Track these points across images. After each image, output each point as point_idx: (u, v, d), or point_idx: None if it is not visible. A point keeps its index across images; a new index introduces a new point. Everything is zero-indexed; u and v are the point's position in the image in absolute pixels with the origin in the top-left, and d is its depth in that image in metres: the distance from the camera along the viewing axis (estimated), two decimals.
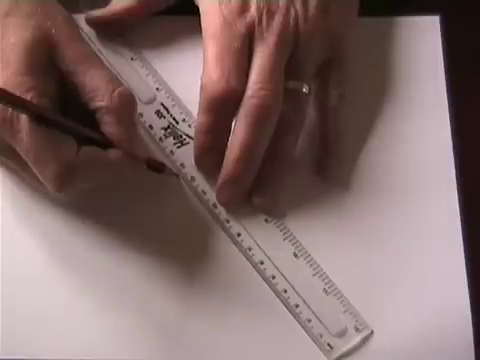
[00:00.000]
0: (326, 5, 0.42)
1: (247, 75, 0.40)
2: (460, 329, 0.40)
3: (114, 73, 0.40)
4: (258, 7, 0.40)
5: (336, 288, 0.41)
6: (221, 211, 0.42)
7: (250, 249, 0.42)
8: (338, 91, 0.43)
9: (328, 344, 0.39)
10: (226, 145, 0.41)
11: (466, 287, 0.41)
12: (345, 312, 0.40)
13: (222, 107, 0.40)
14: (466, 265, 0.41)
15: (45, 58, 0.38)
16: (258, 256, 0.41)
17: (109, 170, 0.39)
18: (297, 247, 0.42)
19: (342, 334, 0.40)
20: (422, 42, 0.47)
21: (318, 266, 0.41)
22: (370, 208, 0.43)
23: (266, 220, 0.42)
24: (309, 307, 0.40)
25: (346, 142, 0.44)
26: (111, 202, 0.42)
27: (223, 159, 0.41)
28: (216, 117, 0.40)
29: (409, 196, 0.43)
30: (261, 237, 0.42)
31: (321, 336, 0.40)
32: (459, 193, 0.43)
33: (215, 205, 0.42)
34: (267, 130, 0.40)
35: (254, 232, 0.42)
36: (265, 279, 0.41)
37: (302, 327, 0.40)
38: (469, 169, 0.44)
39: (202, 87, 0.40)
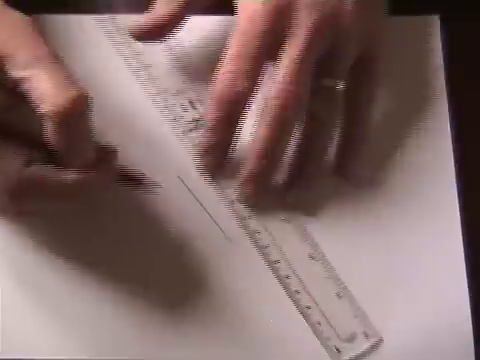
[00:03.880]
0: (369, 6, 0.41)
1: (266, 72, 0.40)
2: (460, 329, 0.40)
3: (70, 74, 0.35)
4: (293, 3, 0.40)
5: (349, 292, 0.41)
6: (241, 207, 0.42)
7: (267, 247, 0.42)
8: (369, 92, 0.43)
9: (336, 348, 0.40)
10: (230, 143, 0.42)
11: (466, 287, 0.41)
12: (356, 317, 0.40)
13: (227, 108, 0.40)
14: (466, 265, 0.41)
15: None
16: (274, 255, 0.42)
17: (65, 191, 0.36)
18: (313, 249, 0.42)
19: (351, 339, 0.40)
20: (422, 42, 0.47)
21: (333, 269, 0.41)
22: (372, 210, 0.43)
23: (285, 220, 0.42)
24: (320, 310, 0.40)
25: (368, 143, 0.44)
26: (118, 204, 0.42)
27: (225, 157, 0.42)
28: (224, 116, 0.41)
29: (409, 197, 0.43)
30: (279, 236, 0.42)
31: (329, 339, 0.40)
32: (459, 193, 0.43)
33: (233, 202, 0.43)
34: (287, 130, 0.40)
35: (273, 230, 0.42)
36: (279, 278, 0.41)
37: (311, 329, 0.40)
38: (469, 169, 0.44)
39: (212, 84, 0.41)
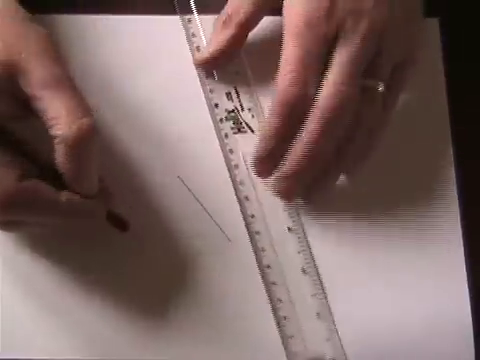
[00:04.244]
0: (410, 10, 0.41)
1: (322, 74, 0.40)
2: (460, 329, 0.41)
3: (83, 98, 0.36)
4: (344, 8, 0.40)
5: (330, 314, 0.41)
6: (249, 206, 0.43)
7: (263, 250, 0.42)
8: (395, 96, 0.43)
9: None
10: (288, 145, 0.41)
11: (466, 287, 0.42)
12: (328, 341, 0.40)
13: (293, 112, 0.40)
14: (466, 265, 0.42)
15: (6, 82, 0.35)
16: (268, 259, 0.42)
17: (56, 211, 0.36)
18: (308, 263, 0.42)
19: None
20: (422, 44, 0.46)
21: (321, 288, 0.41)
22: (371, 216, 0.44)
23: (289, 228, 0.43)
24: (296, 324, 0.41)
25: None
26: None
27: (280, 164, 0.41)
28: (286, 121, 0.40)
29: (409, 198, 0.43)
30: (278, 242, 0.42)
31: (296, 355, 0.40)
32: (459, 193, 0.43)
33: (247, 197, 0.43)
34: (337, 131, 0.40)
35: (274, 235, 0.43)
36: (266, 283, 0.42)
37: (282, 340, 0.40)
38: (469, 170, 0.44)
39: (276, 89, 0.40)
